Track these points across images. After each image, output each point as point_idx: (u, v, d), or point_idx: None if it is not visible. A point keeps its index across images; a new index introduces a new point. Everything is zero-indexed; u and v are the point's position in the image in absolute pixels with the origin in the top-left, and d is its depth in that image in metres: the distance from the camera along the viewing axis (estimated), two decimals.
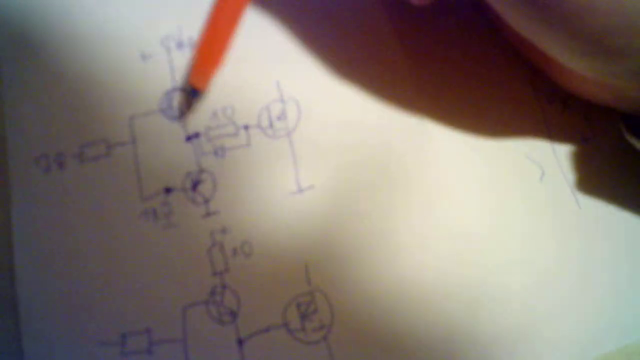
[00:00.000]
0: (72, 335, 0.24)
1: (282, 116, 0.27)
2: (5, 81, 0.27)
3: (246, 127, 0.27)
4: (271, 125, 0.27)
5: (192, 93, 0.27)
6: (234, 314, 0.25)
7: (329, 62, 0.28)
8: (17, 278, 0.25)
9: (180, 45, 0.28)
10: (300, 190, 0.26)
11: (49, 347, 0.24)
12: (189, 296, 0.25)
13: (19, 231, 0.25)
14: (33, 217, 0.26)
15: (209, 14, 0.27)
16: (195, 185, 0.26)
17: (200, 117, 0.27)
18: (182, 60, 0.28)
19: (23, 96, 0.27)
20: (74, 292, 0.25)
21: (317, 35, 0.29)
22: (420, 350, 0.24)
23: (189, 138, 0.27)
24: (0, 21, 0.28)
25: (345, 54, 0.28)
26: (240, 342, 0.24)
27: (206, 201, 0.26)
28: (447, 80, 0.28)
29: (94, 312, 0.24)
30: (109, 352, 0.24)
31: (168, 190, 0.26)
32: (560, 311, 0.25)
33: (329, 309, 0.25)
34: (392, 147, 0.27)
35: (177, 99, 0.28)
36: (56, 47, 0.28)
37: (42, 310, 0.24)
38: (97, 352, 0.24)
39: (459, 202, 0.27)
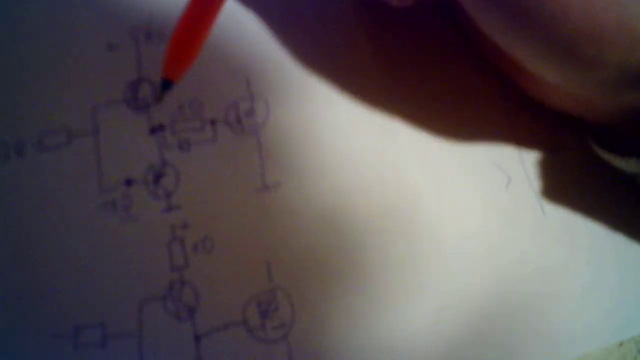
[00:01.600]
0: (24, 326, 0.23)
1: (250, 113, 0.27)
2: None
3: (213, 122, 0.27)
4: (239, 121, 0.27)
5: (163, 84, 0.26)
6: (192, 310, 0.24)
7: (299, 61, 0.28)
8: None
9: (148, 35, 0.28)
10: (266, 187, 0.26)
11: (2, 338, 0.23)
12: (146, 291, 0.24)
13: None
14: None
15: (187, 3, 0.26)
16: (157, 178, 0.26)
17: (166, 109, 0.27)
18: (149, 51, 0.28)
19: None
20: (27, 283, 0.24)
21: (288, 34, 0.28)
22: (381, 352, 0.24)
23: (153, 130, 0.26)
24: None
25: (316, 54, 0.28)
26: (197, 338, 0.24)
27: (168, 195, 0.25)
28: (416, 83, 0.28)
29: (47, 304, 0.24)
30: (61, 344, 0.23)
31: (129, 182, 0.25)
32: (522, 317, 0.25)
33: (290, 308, 0.24)
34: (360, 147, 0.27)
35: (142, 90, 0.27)
36: (21, 30, 0.27)
37: None
38: (49, 344, 0.23)
39: (424, 204, 0.26)
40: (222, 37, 0.28)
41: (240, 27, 0.28)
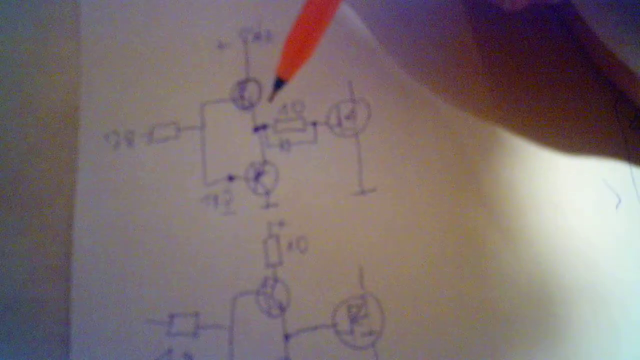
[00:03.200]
0: (122, 309, 0.24)
1: (351, 116, 0.27)
2: (85, 54, 0.28)
3: (314, 124, 0.27)
4: (339, 123, 0.27)
5: (277, 82, 0.26)
6: (283, 308, 0.24)
7: (403, 64, 0.28)
8: (74, 248, 0.25)
9: (257, 37, 0.28)
10: (363, 192, 0.26)
11: (97, 318, 0.24)
12: (240, 285, 0.25)
13: (81, 203, 0.26)
14: (97, 190, 0.26)
15: (303, 5, 0.27)
16: (258, 175, 0.26)
17: (270, 109, 0.27)
18: (258, 52, 0.28)
19: (100, 71, 0.28)
20: (128, 268, 0.25)
21: (395, 38, 0.28)
22: None
23: (256, 129, 0.27)
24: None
25: (421, 57, 0.28)
26: (286, 337, 0.24)
27: (267, 192, 0.26)
28: (525, 92, 0.27)
29: (146, 290, 0.25)
30: (155, 330, 0.24)
31: (231, 178, 0.26)
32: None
33: (380, 316, 0.24)
34: (463, 154, 0.26)
35: (249, 89, 0.27)
36: (137, 26, 0.28)
37: (95, 282, 0.25)
38: (143, 328, 0.24)
39: (529, 218, 0.25)
40: (326, 39, 0.28)
41: (346, 29, 0.28)
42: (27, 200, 0.26)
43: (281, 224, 0.25)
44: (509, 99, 0.27)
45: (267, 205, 0.26)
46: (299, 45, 0.25)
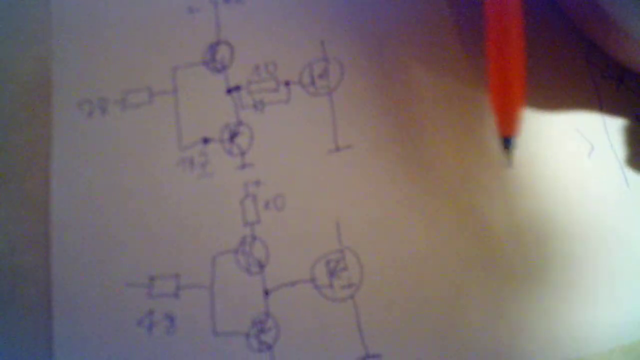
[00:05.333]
0: (102, 273, 0.24)
1: (324, 74, 0.27)
2: (54, 23, 0.28)
3: (287, 83, 0.27)
4: (313, 82, 0.27)
5: (506, 144, 0.23)
6: (261, 265, 0.24)
7: (375, 21, 0.28)
8: (52, 217, 0.25)
9: None
10: (338, 149, 0.26)
11: (78, 284, 0.24)
12: (219, 245, 0.25)
13: (57, 172, 0.26)
14: (72, 158, 0.26)
15: (487, 47, 0.23)
16: (232, 137, 0.26)
17: (242, 70, 0.27)
18: (228, 13, 0.28)
19: (71, 39, 0.27)
20: (106, 234, 0.25)
21: None
22: (446, 316, 0.24)
23: (229, 90, 0.27)
24: None
25: (394, 16, 0.28)
26: (266, 292, 0.24)
27: (242, 153, 0.26)
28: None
29: (125, 253, 0.25)
30: (136, 293, 0.24)
31: (206, 141, 0.26)
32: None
33: (359, 268, 0.24)
34: (435, 108, 0.26)
35: (220, 51, 0.27)
36: None
37: (74, 249, 0.25)
38: (124, 292, 0.24)
39: (508, 170, 0.26)
40: None
41: None
42: (2, 172, 0.26)
43: (257, 183, 0.25)
44: (482, 53, 0.27)
45: (243, 166, 0.26)
46: (510, 94, 0.22)
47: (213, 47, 0.27)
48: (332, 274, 0.24)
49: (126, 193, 0.25)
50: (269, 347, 0.24)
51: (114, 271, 0.24)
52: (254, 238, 0.25)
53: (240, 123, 0.26)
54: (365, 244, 0.25)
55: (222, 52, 0.27)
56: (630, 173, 0.26)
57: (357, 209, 0.25)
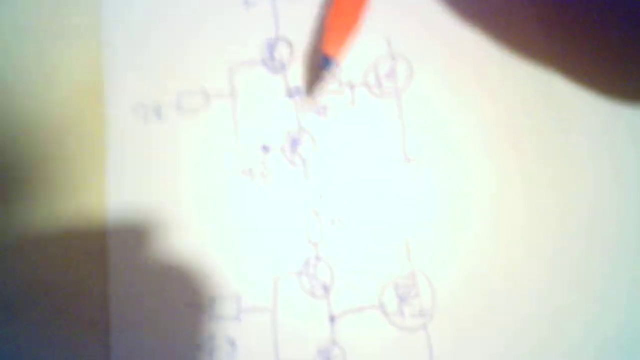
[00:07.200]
0: (162, 293, 0.23)
1: (390, 74, 0.25)
2: (106, 24, 0.26)
3: (351, 85, 0.25)
4: (378, 83, 0.25)
5: (324, 62, 0.23)
6: (326, 289, 0.23)
7: (443, 15, 0.25)
8: (109, 230, 0.24)
9: None
10: (407, 160, 0.24)
11: (136, 302, 0.23)
12: (281, 265, 0.23)
13: (113, 182, 0.25)
14: (128, 167, 0.25)
15: None
16: (294, 145, 0.24)
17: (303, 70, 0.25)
18: (287, 7, 0.26)
19: (122, 40, 0.26)
20: (164, 249, 0.24)
21: None
22: (534, 353, 0.22)
23: (289, 93, 0.25)
24: None
25: (466, 6, 0.25)
26: (332, 319, 0.23)
27: (304, 163, 0.24)
28: (580, 32, 0.24)
29: (185, 273, 0.24)
30: (196, 314, 0.23)
31: (266, 149, 0.24)
32: None
33: (431, 294, 0.23)
34: (514, 115, 0.24)
35: (279, 49, 0.25)
36: None
37: (132, 264, 0.24)
38: (184, 313, 0.23)
39: (585, 174, 0.23)
40: None
41: None
42: (58, 181, 0.25)
43: (321, 196, 0.24)
44: (566, 51, 0.24)
45: (305, 177, 0.24)
46: (346, 15, 0.22)
47: (271, 44, 0.25)
48: (402, 300, 0.23)
49: (184, 206, 0.24)
50: None
51: (172, 288, 0.23)
52: (318, 258, 0.23)
53: (301, 129, 0.25)
54: (438, 266, 0.23)
55: (281, 49, 0.25)
56: None
57: (429, 227, 0.23)
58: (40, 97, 0.26)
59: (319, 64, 0.23)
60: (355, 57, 0.25)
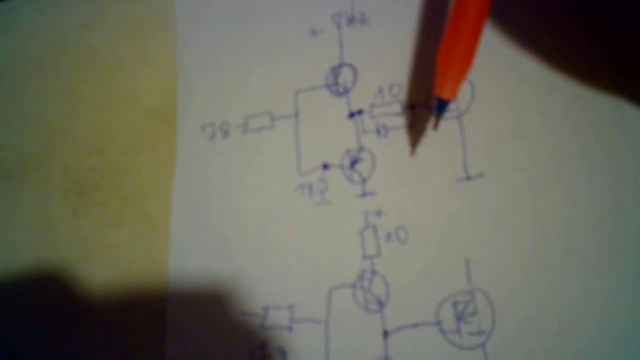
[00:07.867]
0: (217, 300, 0.24)
1: None
2: (181, 47, 0.28)
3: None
4: None
5: (439, 105, 0.23)
6: (381, 303, 0.23)
7: (509, 38, 0.25)
8: (171, 240, 0.25)
9: (351, 20, 0.27)
10: (468, 178, 0.24)
11: (193, 310, 0.24)
12: (336, 277, 0.23)
13: (178, 194, 0.26)
14: (194, 181, 0.26)
15: (450, 10, 0.23)
16: (353, 163, 0.25)
17: (365, 93, 0.26)
18: (352, 35, 0.27)
19: (196, 63, 0.28)
20: (224, 259, 0.24)
21: (495, 6, 0.26)
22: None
23: (352, 115, 0.26)
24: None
25: (530, 29, 0.25)
26: (385, 334, 0.22)
27: (363, 181, 0.24)
28: None
29: (241, 282, 0.24)
30: (250, 323, 0.23)
31: (326, 166, 0.25)
32: None
33: (491, 313, 0.22)
34: (578, 136, 0.23)
35: (343, 74, 0.26)
36: (230, 17, 0.28)
37: (191, 273, 0.24)
38: (239, 321, 0.23)
39: None
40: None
41: (447, 4, 0.26)
42: (127, 193, 0.26)
43: (379, 213, 0.24)
44: (633, 69, 0.24)
45: (364, 194, 0.24)
46: (457, 55, 0.22)
47: (336, 70, 0.26)
48: (459, 317, 0.22)
49: (244, 217, 0.25)
50: None
51: (230, 298, 0.24)
52: (373, 273, 0.23)
53: (361, 149, 0.25)
54: (498, 285, 0.22)
55: (345, 74, 0.26)
56: None
57: (490, 245, 0.22)
58: (117, 116, 0.28)
59: (434, 107, 0.23)
60: (416, 79, 0.25)
